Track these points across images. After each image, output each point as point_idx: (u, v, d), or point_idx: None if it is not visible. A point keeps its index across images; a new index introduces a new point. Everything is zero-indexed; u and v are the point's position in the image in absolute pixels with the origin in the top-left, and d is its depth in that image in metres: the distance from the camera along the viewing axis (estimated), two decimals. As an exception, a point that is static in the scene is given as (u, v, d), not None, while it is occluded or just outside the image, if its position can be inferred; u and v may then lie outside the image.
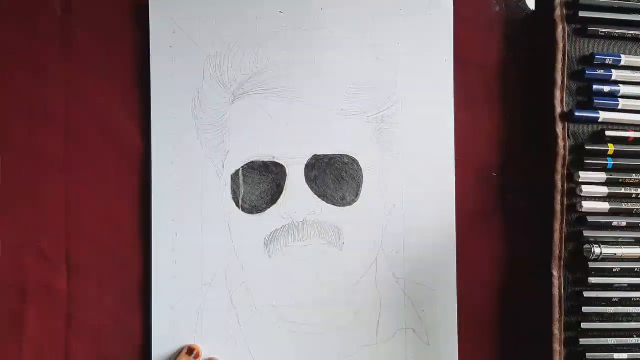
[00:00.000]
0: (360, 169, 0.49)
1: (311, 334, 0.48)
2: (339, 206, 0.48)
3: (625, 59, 0.49)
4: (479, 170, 0.50)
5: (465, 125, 0.50)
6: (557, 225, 0.48)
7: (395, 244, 0.49)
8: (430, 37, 0.49)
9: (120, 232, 0.48)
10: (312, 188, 0.48)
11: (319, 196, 0.48)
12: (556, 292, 0.48)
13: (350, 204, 0.49)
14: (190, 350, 0.47)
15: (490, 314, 0.50)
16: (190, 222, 0.48)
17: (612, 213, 0.48)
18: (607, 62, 0.49)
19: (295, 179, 0.48)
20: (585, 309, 0.47)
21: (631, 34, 0.49)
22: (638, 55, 0.50)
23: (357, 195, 0.49)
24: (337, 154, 0.48)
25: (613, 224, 0.48)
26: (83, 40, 0.48)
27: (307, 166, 0.48)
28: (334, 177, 0.49)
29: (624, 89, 0.49)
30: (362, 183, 0.49)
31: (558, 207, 0.48)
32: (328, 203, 0.48)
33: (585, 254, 0.47)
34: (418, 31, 0.49)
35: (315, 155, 0.48)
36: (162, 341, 0.47)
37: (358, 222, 0.48)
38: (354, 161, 0.49)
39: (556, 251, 0.48)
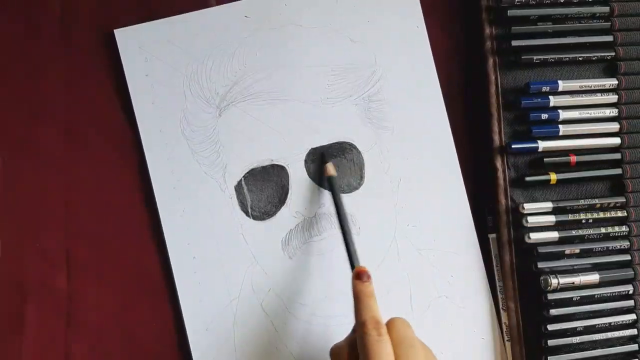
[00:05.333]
0: (359, 152, 0.49)
1: (345, 324, 0.48)
2: (347, 193, 0.48)
3: (562, 84, 0.48)
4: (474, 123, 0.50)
5: (451, 79, 0.50)
6: (507, 257, 0.48)
7: (409, 217, 0.49)
8: (398, 7, 0.49)
9: (121, 231, 0.48)
10: (315, 181, 0.48)
11: (324, 188, 0.48)
12: (514, 322, 0.48)
13: (357, 188, 0.49)
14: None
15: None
16: (206, 241, 0.48)
17: (563, 241, 0.48)
18: (543, 89, 0.48)
19: (298, 176, 0.48)
20: (550, 342, 0.47)
21: (568, 58, 0.48)
22: (577, 78, 0.49)
23: (361, 178, 0.49)
24: (333, 143, 0.49)
25: (566, 252, 0.47)
26: (83, 40, 0.48)
27: (306, 161, 0.48)
28: (335, 165, 0.48)
29: (563, 114, 0.48)
30: (363, 165, 0.49)
31: (505, 239, 0.48)
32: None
33: (542, 286, 0.47)
34: (384, 4, 0.49)
35: (312, 148, 0.48)
36: (205, 364, 0.47)
37: (369, 205, 0.48)
38: (350, 146, 0.49)
39: (509, 283, 0.48)
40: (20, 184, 0.48)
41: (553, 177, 0.48)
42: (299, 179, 0.48)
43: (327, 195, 0.48)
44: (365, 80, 0.49)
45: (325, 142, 0.48)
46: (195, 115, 0.48)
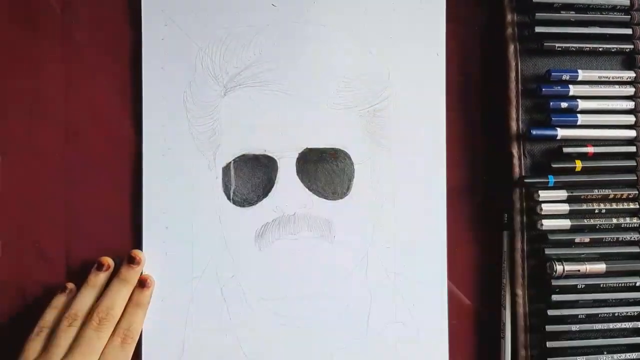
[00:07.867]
0: (352, 163, 0.49)
1: (301, 327, 0.48)
2: (330, 200, 0.48)
3: (582, 74, 0.48)
4: (470, 167, 0.50)
5: (456, 120, 0.50)
6: (518, 245, 0.48)
7: (386, 238, 0.49)
8: (423, 31, 0.49)
9: (121, 230, 0.48)
10: (303, 181, 0.48)
11: (310, 189, 0.48)
12: (520, 310, 0.48)
13: (341, 197, 0.49)
14: (131, 259, 0.46)
15: (480, 309, 0.50)
16: (181, 214, 0.48)
17: (574, 230, 0.48)
18: (563, 78, 0.48)
19: (287, 172, 0.48)
20: (548, 328, 0.47)
21: (589, 47, 0.48)
22: (596, 68, 0.49)
23: (348, 189, 0.49)
24: (329, 148, 0.49)
25: (576, 241, 0.48)
26: (83, 39, 0.48)
27: (298, 159, 0.48)
28: (326, 170, 0.49)
29: (582, 104, 0.48)
30: (353, 177, 0.49)
31: (518, 227, 0.48)
32: (319, 196, 0.48)
33: (547, 271, 0.47)
34: (410, 25, 0.49)
35: (307, 148, 0.48)
36: (153, 334, 0.47)
37: (349, 216, 0.48)
38: (345, 155, 0.49)
39: (518, 270, 0.48)
40: (20, 184, 0.48)
41: (578, 164, 0.48)
42: (287, 175, 0.48)
43: (311, 197, 0.48)
44: (375, 94, 0.49)
45: (321, 145, 0.49)
46: (200, 89, 0.48)
